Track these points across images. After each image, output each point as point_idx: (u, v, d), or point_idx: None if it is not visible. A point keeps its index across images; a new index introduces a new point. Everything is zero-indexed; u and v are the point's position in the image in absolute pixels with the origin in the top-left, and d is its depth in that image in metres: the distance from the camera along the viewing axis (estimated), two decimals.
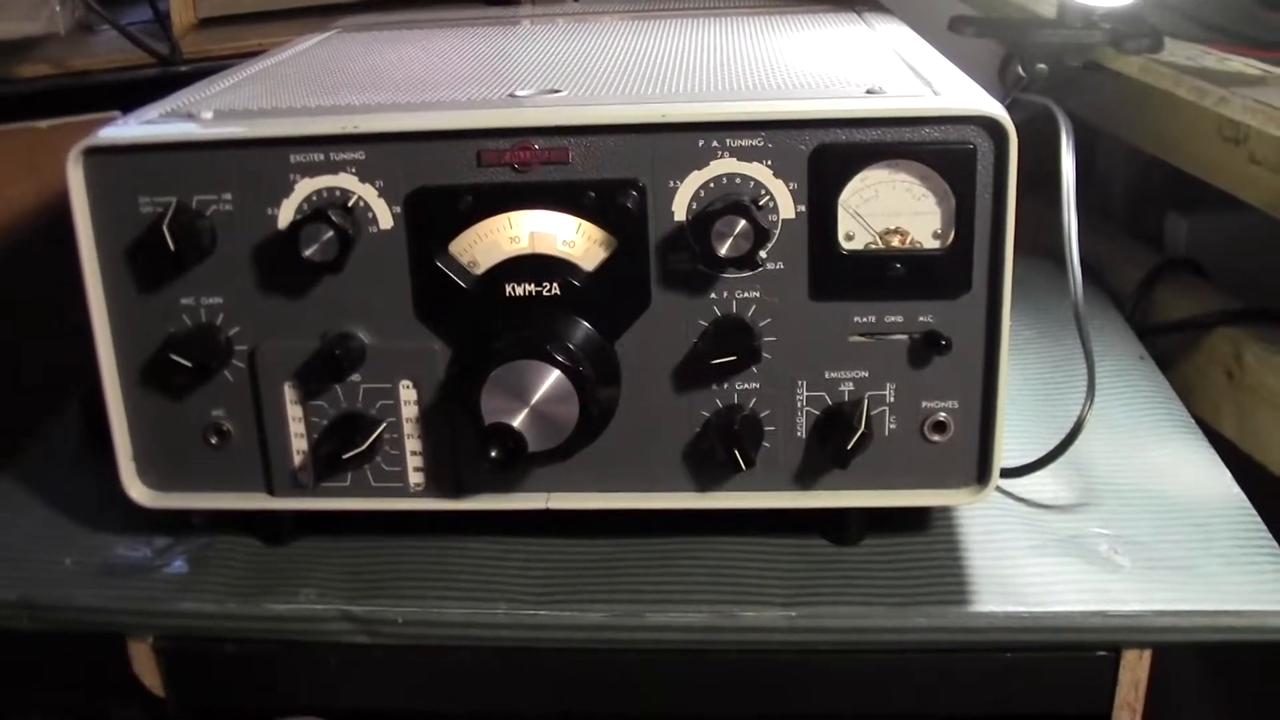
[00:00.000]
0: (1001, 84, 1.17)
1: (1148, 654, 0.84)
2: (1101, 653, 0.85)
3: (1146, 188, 1.51)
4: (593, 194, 0.81)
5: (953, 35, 1.29)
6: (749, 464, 0.83)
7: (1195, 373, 1.22)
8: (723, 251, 0.79)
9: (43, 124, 1.36)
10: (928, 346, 0.83)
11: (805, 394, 0.85)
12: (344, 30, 1.31)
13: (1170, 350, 1.23)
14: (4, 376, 1.40)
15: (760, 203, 0.80)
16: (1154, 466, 0.99)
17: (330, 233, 0.80)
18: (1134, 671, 0.85)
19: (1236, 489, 0.95)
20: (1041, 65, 1.15)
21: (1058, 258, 0.98)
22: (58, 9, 1.34)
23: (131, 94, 1.05)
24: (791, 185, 0.80)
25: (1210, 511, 0.92)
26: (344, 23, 1.37)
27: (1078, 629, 0.83)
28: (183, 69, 1.40)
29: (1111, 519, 0.92)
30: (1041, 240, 1.11)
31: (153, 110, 0.90)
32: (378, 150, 0.82)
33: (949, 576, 0.86)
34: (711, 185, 0.81)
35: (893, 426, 0.85)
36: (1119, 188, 1.57)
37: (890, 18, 1.19)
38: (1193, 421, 1.06)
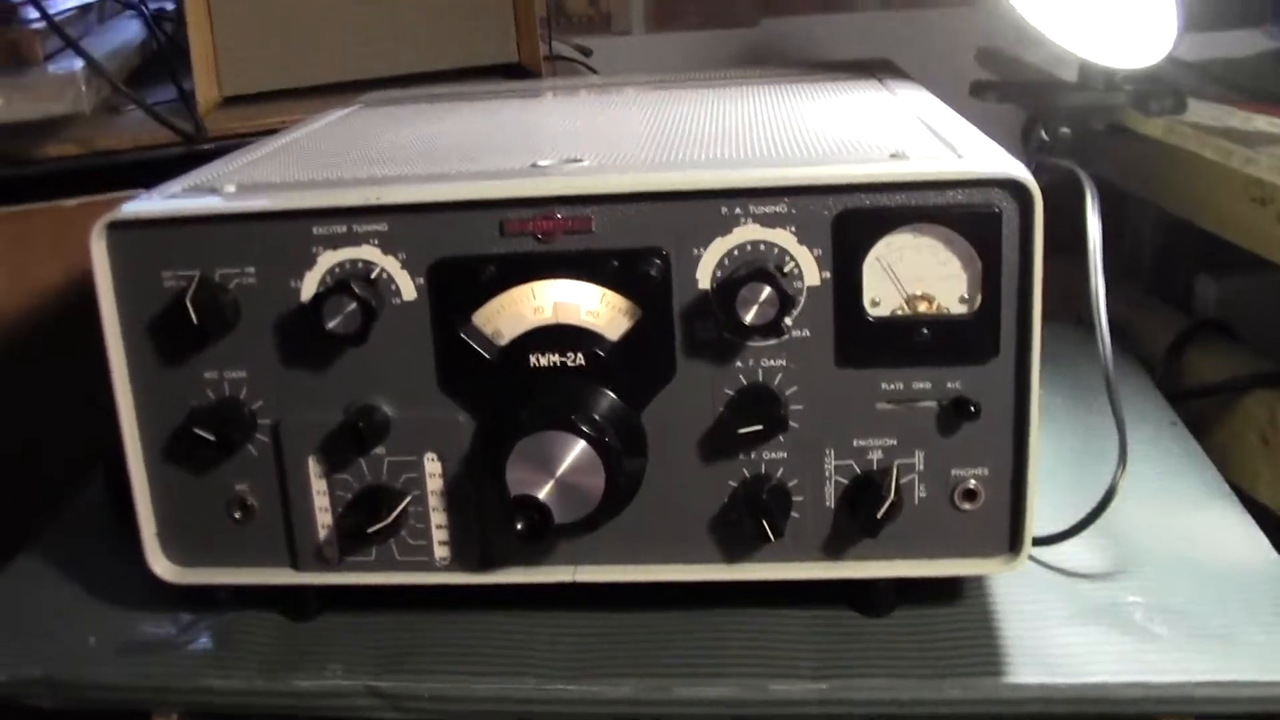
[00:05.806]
0: (1025, 148, 1.17)
1: None
2: None
3: (1176, 250, 1.50)
4: (616, 263, 0.81)
5: (974, 101, 1.29)
6: (778, 535, 0.82)
7: (1229, 438, 1.20)
8: (748, 319, 0.78)
9: (70, 203, 1.37)
10: (957, 413, 0.82)
11: (833, 463, 0.84)
12: (366, 105, 1.32)
13: (1202, 415, 1.22)
14: (30, 453, 1.40)
15: (785, 269, 0.80)
16: (1189, 534, 0.97)
17: (353, 305, 0.80)
18: None
19: (1275, 555, 0.94)
20: (1065, 129, 1.15)
21: (1088, 322, 0.97)
22: (84, 89, 1.35)
23: (158, 173, 1.05)
24: (816, 251, 0.80)
25: (1248, 579, 0.91)
26: (367, 98, 1.38)
27: (1115, 700, 0.81)
28: (208, 147, 1.41)
29: (1147, 587, 0.90)
30: (1072, 305, 1.10)
31: (175, 185, 0.91)
32: (400, 221, 0.82)
33: (982, 647, 0.85)
34: (735, 253, 0.80)
35: (922, 495, 0.84)
36: (1148, 250, 1.56)
37: (911, 83, 1.19)
38: (1228, 488, 1.04)
